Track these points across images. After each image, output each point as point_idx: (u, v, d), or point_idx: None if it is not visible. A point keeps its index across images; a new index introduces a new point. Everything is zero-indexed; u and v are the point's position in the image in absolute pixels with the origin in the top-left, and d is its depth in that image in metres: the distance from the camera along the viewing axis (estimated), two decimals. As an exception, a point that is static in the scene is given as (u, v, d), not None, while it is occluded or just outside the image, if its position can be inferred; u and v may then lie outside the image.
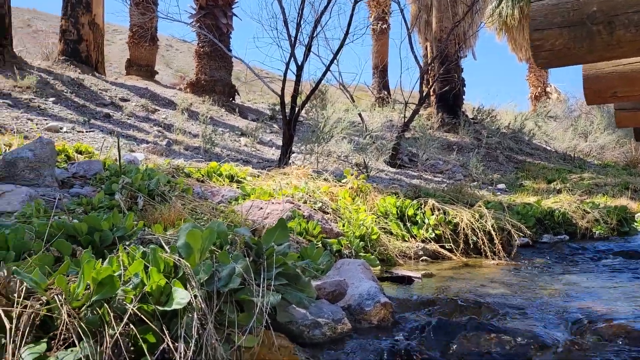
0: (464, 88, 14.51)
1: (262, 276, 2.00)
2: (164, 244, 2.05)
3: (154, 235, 2.31)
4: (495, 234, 4.48)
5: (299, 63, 7.78)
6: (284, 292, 2.07)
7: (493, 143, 13.07)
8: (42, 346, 1.52)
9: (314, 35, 7.73)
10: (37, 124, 8.14)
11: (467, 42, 14.01)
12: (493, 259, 4.29)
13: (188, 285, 1.78)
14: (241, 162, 8.79)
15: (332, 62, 7.82)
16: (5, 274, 1.69)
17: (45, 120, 8.55)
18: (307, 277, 2.39)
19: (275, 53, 16.26)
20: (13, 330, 1.50)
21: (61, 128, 8.34)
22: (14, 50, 10.96)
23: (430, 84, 12.60)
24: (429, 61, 12.38)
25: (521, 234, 4.75)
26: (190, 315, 1.69)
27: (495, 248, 4.40)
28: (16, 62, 10.43)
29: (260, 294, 1.90)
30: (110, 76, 14.46)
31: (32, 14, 34.47)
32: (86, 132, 8.53)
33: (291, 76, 8.29)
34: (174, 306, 1.68)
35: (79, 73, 11.79)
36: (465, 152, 12.41)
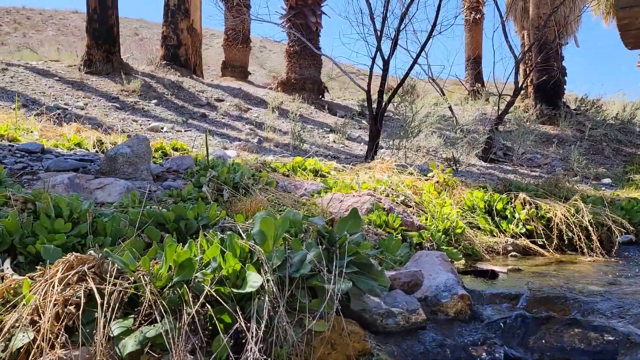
0: (565, 77, 13.66)
1: (334, 264, 2.03)
2: (241, 231, 2.15)
3: (235, 224, 2.42)
4: (593, 230, 4.20)
5: (385, 57, 7.73)
6: (355, 280, 2.09)
7: (598, 135, 12.19)
8: (129, 321, 1.66)
9: (401, 29, 7.65)
10: (140, 125, 8.77)
11: (568, 28, 13.17)
12: (590, 255, 4.02)
13: (261, 270, 1.86)
14: (329, 158, 8.91)
15: (419, 54, 7.70)
16: (100, 256, 1.86)
17: (148, 121, 9.19)
18: (382, 267, 2.39)
19: (363, 49, 16.31)
20: (104, 305, 1.65)
21: (162, 128, 8.93)
22: (122, 57, 11.86)
23: (527, 74, 11.99)
24: (525, 50, 11.79)
25: (623, 230, 4.41)
26: (262, 298, 1.76)
27: (592, 244, 4.12)
28: (123, 68, 11.29)
29: (332, 281, 1.94)
30: (208, 78, 15.22)
31: (140, 23, 37.09)
32: (184, 131, 9.06)
33: (378, 71, 8.27)
34: (247, 289, 1.76)
35: (179, 76, 12.52)
36: (566, 145, 11.70)
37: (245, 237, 2.04)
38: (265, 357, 1.62)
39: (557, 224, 4.30)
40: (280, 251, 1.96)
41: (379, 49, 7.52)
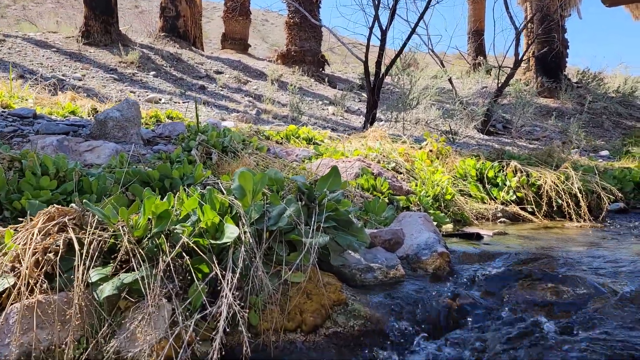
0: (567, 50, 13.53)
1: (313, 219, 2.07)
2: (222, 188, 2.19)
3: (218, 182, 2.46)
4: (582, 197, 4.22)
5: (383, 27, 7.67)
6: (335, 236, 2.13)
7: (598, 108, 12.13)
8: (108, 269, 1.71)
9: (399, -2, 7.57)
10: (138, 96, 8.77)
11: (571, -1, 12.98)
12: (578, 221, 4.06)
13: (240, 223, 1.90)
14: (328, 130, 8.91)
15: (417, 23, 7.64)
16: (81, 209, 1.90)
17: (146, 92, 9.18)
18: (362, 225, 2.43)
19: (361, 19, 16.17)
20: (84, 254, 1.70)
21: (160, 99, 8.92)
22: (120, 28, 11.78)
23: (528, 46, 11.88)
24: (526, 21, 11.66)
25: (613, 198, 4.44)
26: (239, 249, 1.81)
27: (581, 211, 4.16)
28: (121, 39, 11.22)
29: (310, 235, 1.98)
30: (209, 51, 15.12)
31: (140, -4, 36.61)
32: (182, 102, 9.05)
33: (376, 42, 8.22)
34: (224, 240, 1.80)
35: (178, 48, 12.45)
36: (565, 118, 11.65)
37: (225, 193, 2.08)
38: (240, 303, 1.67)
39: (547, 191, 4.33)
40: (259, 205, 1.99)
41: (376, 17, 7.46)
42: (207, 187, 2.09)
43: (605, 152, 9.09)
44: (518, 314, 1.89)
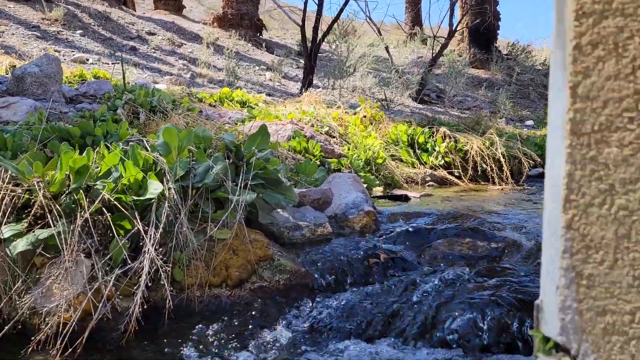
0: (499, 22, 13.93)
1: (240, 177, 2.06)
2: (147, 145, 2.13)
3: (143, 140, 2.39)
4: (505, 162, 4.44)
5: (321, -8, 7.60)
6: (263, 194, 2.14)
7: (526, 80, 12.64)
8: (22, 225, 1.65)
9: (336, -38, 7.49)
10: (63, 55, 8.29)
11: (504, -28, 13.29)
12: (500, 185, 4.27)
13: (164, 180, 1.87)
14: (263, 94, 8.80)
15: (354, -10, 7.58)
16: (-8, 163, 1.80)
17: (72, 52, 8.69)
18: (292, 184, 2.45)
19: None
20: (-5, 210, 1.62)
21: (87, 60, 8.48)
22: (42, -18, 11.01)
23: (462, 17, 12.14)
24: (461, -8, 11.89)
25: (533, 163, 4.69)
26: (163, 205, 1.78)
27: (503, 175, 4.37)
28: (44, -6, 10.50)
29: (237, 193, 1.98)
30: (140, 11, 14.43)
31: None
32: (111, 63, 8.64)
33: (314, 8, 8.14)
34: (148, 196, 1.77)
35: (107, 6, 11.81)
36: (495, 89, 12.07)
37: (150, 150, 2.03)
38: (163, 258, 1.65)
39: (473, 156, 4.51)
40: (185, 162, 1.96)
41: (313, -18, 7.37)
42: (131, 143, 2.04)
43: (530, 122, 9.52)
44: (437, 266, 1.98)
